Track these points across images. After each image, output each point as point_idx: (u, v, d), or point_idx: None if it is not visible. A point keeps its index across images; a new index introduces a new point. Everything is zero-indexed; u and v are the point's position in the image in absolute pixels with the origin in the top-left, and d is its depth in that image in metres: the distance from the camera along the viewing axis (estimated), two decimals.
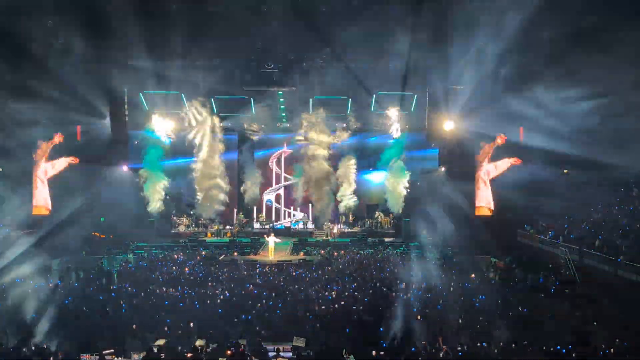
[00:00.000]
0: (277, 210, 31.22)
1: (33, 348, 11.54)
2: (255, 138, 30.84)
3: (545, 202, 25.63)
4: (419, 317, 14.16)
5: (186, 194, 30.50)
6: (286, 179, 31.01)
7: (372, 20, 24.14)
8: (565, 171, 27.25)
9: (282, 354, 11.52)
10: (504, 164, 25.85)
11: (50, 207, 25.72)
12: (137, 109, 28.26)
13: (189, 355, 10.93)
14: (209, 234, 29.12)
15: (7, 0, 22.10)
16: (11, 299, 15.90)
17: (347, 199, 29.70)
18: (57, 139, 25.28)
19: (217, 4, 23.79)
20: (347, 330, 13.27)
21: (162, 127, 28.67)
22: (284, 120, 30.30)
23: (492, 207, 26.22)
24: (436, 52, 25.18)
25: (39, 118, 25.22)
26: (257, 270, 20.71)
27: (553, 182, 25.95)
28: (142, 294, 16.73)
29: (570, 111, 23.12)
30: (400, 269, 20.62)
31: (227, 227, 29.64)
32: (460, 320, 14.12)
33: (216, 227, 29.32)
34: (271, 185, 31.57)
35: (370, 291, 17.08)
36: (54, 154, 25.82)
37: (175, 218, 29.92)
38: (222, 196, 29.21)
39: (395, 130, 29.28)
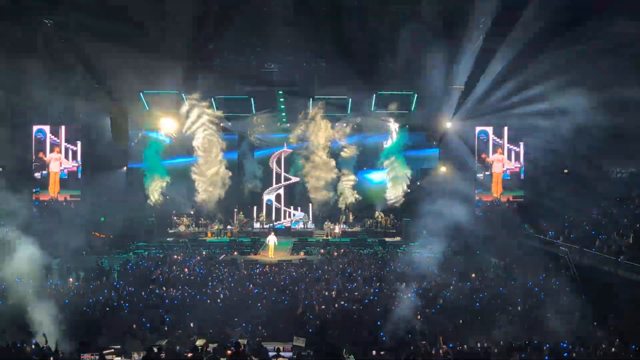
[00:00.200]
0: (277, 210, 31.17)
1: (33, 348, 11.55)
2: (256, 141, 30.88)
3: (545, 202, 25.66)
4: (419, 317, 14.17)
5: (186, 193, 30.52)
6: (286, 179, 30.98)
7: (372, 20, 24.15)
8: (566, 171, 27.24)
9: (282, 353, 11.52)
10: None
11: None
12: (137, 109, 28.23)
13: (189, 355, 10.94)
14: (209, 234, 29.10)
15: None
16: (11, 298, 15.90)
17: (348, 193, 29.73)
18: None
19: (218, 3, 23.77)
20: (347, 330, 13.27)
21: (163, 126, 28.72)
22: (284, 120, 30.27)
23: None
24: (436, 51, 25.14)
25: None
26: (257, 270, 20.72)
27: (553, 182, 25.96)
28: (142, 293, 16.74)
29: (571, 108, 23.05)
30: (400, 269, 20.64)
31: (228, 227, 29.61)
32: (460, 320, 14.13)
33: (216, 227, 29.31)
34: (271, 185, 31.50)
35: (371, 291, 17.09)
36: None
37: (175, 218, 29.91)
38: (220, 192, 29.21)
39: (395, 130, 29.33)
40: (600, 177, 24.87)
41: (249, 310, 14.90)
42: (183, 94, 27.61)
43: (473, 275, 20.46)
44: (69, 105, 26.98)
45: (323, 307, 15.17)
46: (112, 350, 11.59)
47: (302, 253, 25.32)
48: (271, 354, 11.41)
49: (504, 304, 15.79)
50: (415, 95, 27.81)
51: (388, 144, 30.16)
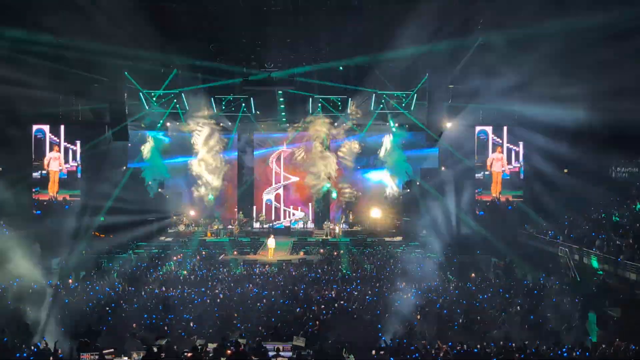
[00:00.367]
0: (277, 210, 31.17)
1: (33, 348, 11.55)
2: (255, 139, 30.89)
3: (545, 202, 25.66)
4: (419, 317, 14.18)
5: (187, 192, 30.57)
6: (286, 178, 30.97)
7: (372, 19, 24.09)
8: (566, 171, 27.24)
9: (282, 353, 11.51)
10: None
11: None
12: (137, 108, 28.20)
13: (189, 355, 10.93)
14: (209, 234, 29.10)
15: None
16: (11, 298, 15.90)
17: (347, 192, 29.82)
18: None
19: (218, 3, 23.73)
20: (347, 330, 13.26)
21: (163, 125, 28.81)
22: (283, 119, 30.27)
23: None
24: (436, 50, 25.12)
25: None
26: (257, 270, 20.73)
27: (553, 181, 25.95)
28: (142, 293, 16.74)
29: (571, 107, 23.01)
30: (400, 269, 20.65)
31: (229, 226, 29.61)
32: (460, 320, 14.13)
33: (216, 227, 29.31)
34: (271, 185, 31.49)
35: (370, 291, 17.09)
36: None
37: (175, 218, 29.90)
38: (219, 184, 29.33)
39: (395, 127, 29.36)
40: (601, 177, 24.86)
41: (249, 311, 14.89)
42: (183, 95, 27.58)
43: (473, 275, 20.49)
44: (68, 104, 26.92)
45: (323, 307, 15.16)
46: (112, 350, 11.57)
47: (301, 253, 25.32)
48: (271, 353, 11.40)
49: (504, 304, 15.78)
50: (415, 95, 27.78)
51: (387, 140, 30.20)
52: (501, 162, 28.51)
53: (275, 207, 31.02)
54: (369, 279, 18.97)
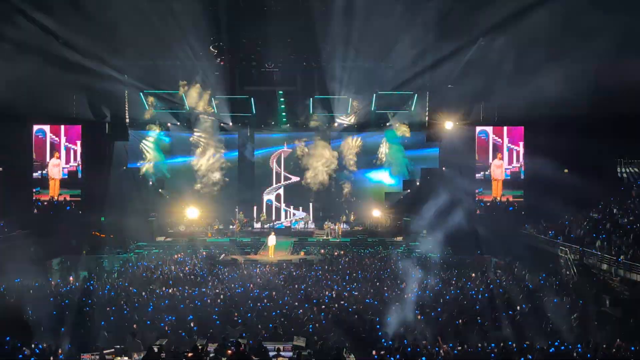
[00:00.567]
0: (278, 210, 31.15)
1: (33, 348, 11.54)
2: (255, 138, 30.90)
3: (545, 202, 25.62)
4: (419, 317, 14.17)
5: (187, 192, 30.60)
6: (286, 178, 30.96)
7: (372, 19, 24.11)
8: (566, 170, 27.23)
9: (282, 353, 11.50)
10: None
11: None
12: (137, 108, 28.23)
13: (189, 355, 10.92)
14: (209, 234, 29.11)
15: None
16: (11, 298, 15.90)
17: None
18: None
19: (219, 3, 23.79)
20: (347, 330, 13.26)
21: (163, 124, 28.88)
22: (284, 119, 30.27)
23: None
24: (436, 50, 25.16)
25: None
26: (258, 270, 20.72)
27: (553, 181, 25.93)
28: (143, 293, 16.74)
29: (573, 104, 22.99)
30: (400, 269, 20.64)
31: (230, 226, 29.60)
32: (460, 320, 14.12)
33: (216, 227, 29.30)
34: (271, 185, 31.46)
35: (371, 291, 17.09)
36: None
37: (175, 217, 29.88)
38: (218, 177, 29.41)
39: (395, 128, 29.40)
40: (601, 177, 24.85)
41: (249, 311, 14.88)
42: (183, 95, 27.60)
43: (473, 275, 20.48)
44: (69, 104, 26.93)
45: (323, 307, 15.16)
46: (112, 350, 11.57)
47: (302, 253, 25.32)
48: (271, 353, 11.40)
49: (504, 304, 15.77)
50: (415, 95, 27.80)
51: (386, 139, 30.25)
52: (501, 169, 28.55)
53: (275, 207, 31.00)
54: (369, 279, 18.96)
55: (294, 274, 20.00)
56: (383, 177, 31.06)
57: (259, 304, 15.45)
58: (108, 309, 14.91)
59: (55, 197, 27.66)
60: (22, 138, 27.22)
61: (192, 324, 13.64)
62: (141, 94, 27.56)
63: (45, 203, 27.56)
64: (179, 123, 29.24)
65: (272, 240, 24.40)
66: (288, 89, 27.80)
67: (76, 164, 28.02)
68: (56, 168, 27.68)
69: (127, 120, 28.33)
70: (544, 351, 11.60)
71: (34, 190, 27.64)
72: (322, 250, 25.24)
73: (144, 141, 29.46)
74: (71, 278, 20.51)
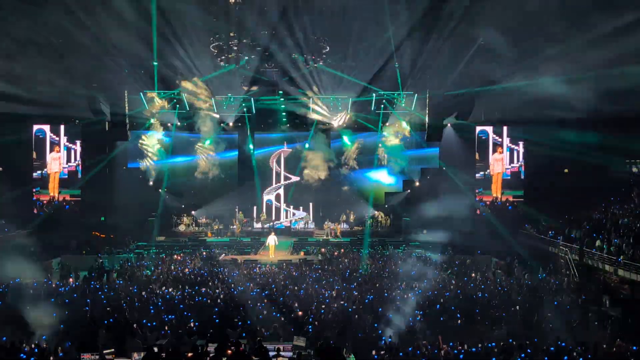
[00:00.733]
0: (278, 210, 31.13)
1: (33, 348, 11.54)
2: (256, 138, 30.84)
3: (545, 202, 25.65)
4: (419, 317, 14.17)
5: (186, 192, 30.65)
6: (286, 178, 30.95)
7: (372, 19, 24.14)
8: (566, 170, 27.26)
9: (282, 353, 11.50)
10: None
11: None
12: (137, 108, 28.24)
13: (189, 355, 10.92)
14: (209, 234, 29.11)
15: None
16: (11, 298, 15.90)
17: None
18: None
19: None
20: (347, 330, 13.25)
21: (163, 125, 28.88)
22: (284, 119, 30.27)
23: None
24: (436, 50, 25.17)
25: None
26: (258, 270, 20.71)
27: (553, 181, 25.96)
28: (142, 293, 16.74)
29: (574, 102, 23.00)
30: (400, 269, 20.64)
31: (231, 226, 29.59)
32: (460, 320, 14.12)
33: (217, 227, 29.30)
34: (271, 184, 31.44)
35: (371, 291, 17.08)
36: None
37: (175, 217, 29.91)
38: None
39: (395, 127, 29.40)
40: (601, 177, 24.87)
41: (249, 311, 14.88)
42: (183, 95, 27.60)
43: (473, 275, 20.49)
44: (69, 103, 26.94)
45: (323, 306, 15.16)
46: (112, 350, 11.56)
47: (302, 253, 25.31)
48: (271, 353, 11.39)
49: (504, 304, 15.77)
50: (416, 95, 27.81)
51: (386, 138, 30.27)
52: (501, 162, 28.54)
53: (275, 207, 30.99)
54: (369, 279, 18.96)
55: (294, 274, 19.99)
56: (382, 177, 31.03)
57: (259, 304, 15.45)
58: (108, 309, 14.91)
59: (55, 197, 27.69)
60: (22, 138, 27.25)
61: (192, 324, 13.63)
62: (141, 93, 27.56)
63: (45, 203, 27.59)
64: (179, 123, 29.22)
65: (272, 240, 24.40)
66: (288, 89, 27.78)
67: (76, 164, 28.06)
68: (56, 162, 27.70)
69: (127, 120, 28.30)
70: (544, 351, 11.60)
71: (34, 190, 27.67)
72: (322, 250, 25.23)
73: (144, 141, 29.43)
74: (71, 278, 20.50)
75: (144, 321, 13.80)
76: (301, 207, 30.80)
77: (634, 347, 11.66)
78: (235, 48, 26.01)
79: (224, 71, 26.85)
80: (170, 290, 17.39)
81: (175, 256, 23.76)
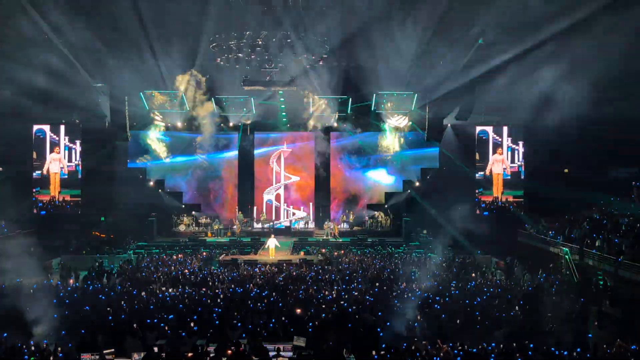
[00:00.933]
0: (278, 209, 31.14)
1: (33, 348, 11.54)
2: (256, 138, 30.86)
3: (545, 202, 25.65)
4: (419, 317, 14.16)
5: (186, 192, 30.65)
6: (286, 178, 30.95)
7: (372, 18, 24.13)
8: (566, 170, 27.24)
9: (282, 353, 11.50)
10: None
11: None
12: (137, 108, 28.24)
13: (189, 355, 10.93)
14: (209, 234, 29.12)
15: None
16: (11, 298, 15.89)
17: None
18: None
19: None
20: (347, 330, 13.25)
21: (163, 124, 28.89)
22: (284, 119, 30.27)
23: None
24: (436, 50, 25.18)
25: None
26: (258, 270, 20.71)
27: (553, 181, 25.95)
28: (142, 294, 16.74)
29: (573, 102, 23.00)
30: (400, 269, 20.65)
31: (233, 226, 29.58)
32: (460, 320, 14.12)
33: (217, 227, 29.31)
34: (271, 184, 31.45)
35: (371, 291, 17.08)
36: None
37: (175, 217, 29.91)
38: None
39: (394, 127, 29.42)
40: (601, 177, 24.86)
41: (249, 311, 14.88)
42: (183, 95, 27.60)
43: (473, 275, 20.49)
44: (69, 103, 26.94)
45: (324, 307, 15.16)
46: (112, 350, 11.56)
47: (302, 253, 25.32)
48: (271, 353, 11.40)
49: (504, 304, 15.77)
50: (416, 95, 27.81)
51: (386, 138, 30.29)
52: (502, 162, 28.54)
53: (275, 207, 31.00)
54: (369, 279, 18.96)
55: (294, 274, 20.00)
56: (381, 177, 31.03)
57: (259, 304, 15.45)
58: (108, 309, 14.91)
59: (56, 197, 27.69)
60: (22, 138, 27.25)
61: (192, 324, 13.63)
62: (141, 93, 27.55)
63: (46, 203, 27.59)
64: (179, 123, 29.21)
65: (272, 243, 24.27)
66: (288, 89, 27.76)
67: (76, 164, 28.05)
68: (56, 162, 27.71)
69: (127, 120, 28.30)
70: (544, 351, 11.59)
71: (34, 190, 27.67)
72: (323, 250, 25.24)
73: (143, 141, 29.45)
74: (71, 278, 20.51)
75: (144, 321, 13.79)
76: (301, 207, 30.83)
77: (633, 347, 11.65)
78: (235, 48, 26.00)
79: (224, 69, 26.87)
80: (170, 290, 17.39)
81: (175, 256, 23.75)
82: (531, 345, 11.86)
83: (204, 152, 29.97)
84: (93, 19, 22.98)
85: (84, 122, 28.15)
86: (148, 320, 13.82)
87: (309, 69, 26.91)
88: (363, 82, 27.17)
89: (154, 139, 29.53)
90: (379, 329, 13.23)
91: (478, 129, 28.81)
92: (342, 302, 15.59)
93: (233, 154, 30.95)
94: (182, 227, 29.49)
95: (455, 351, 11.68)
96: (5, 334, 11.77)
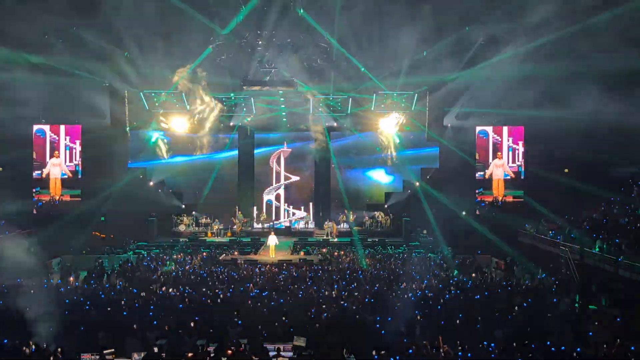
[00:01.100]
0: (278, 209, 31.13)
1: (33, 348, 11.54)
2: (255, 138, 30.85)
3: (545, 202, 25.63)
4: (419, 317, 14.16)
5: (186, 192, 30.64)
6: (286, 178, 30.94)
7: (373, 18, 24.14)
8: (566, 170, 27.24)
9: (282, 353, 11.50)
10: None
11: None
12: (137, 108, 28.24)
13: (189, 355, 10.93)
14: (209, 234, 29.11)
15: None
16: (11, 298, 15.88)
17: None
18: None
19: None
20: (347, 330, 13.25)
21: (171, 124, 28.90)
22: (284, 119, 30.27)
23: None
24: (437, 50, 25.18)
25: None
26: (258, 270, 20.71)
27: (553, 181, 25.94)
28: (142, 294, 16.73)
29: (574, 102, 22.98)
30: (400, 269, 20.64)
31: (233, 226, 29.58)
32: (460, 321, 14.11)
33: (217, 227, 29.31)
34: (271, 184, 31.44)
35: (371, 291, 17.08)
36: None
37: (175, 217, 29.91)
38: None
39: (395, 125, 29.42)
40: (601, 177, 24.84)
41: (249, 310, 14.88)
42: (183, 94, 27.59)
43: (473, 275, 20.49)
44: (69, 103, 26.93)
45: (323, 307, 15.16)
46: (112, 350, 11.56)
47: (302, 253, 25.31)
48: (271, 353, 11.41)
49: (504, 304, 15.77)
50: (416, 94, 27.81)
51: (386, 138, 30.27)
52: (502, 167, 28.55)
53: (275, 207, 30.99)
54: (369, 279, 18.95)
55: (294, 274, 19.99)
56: (381, 177, 31.03)
57: (259, 304, 15.45)
58: (108, 309, 14.90)
59: (57, 197, 27.69)
60: (22, 138, 27.24)
61: (192, 324, 13.63)
62: (141, 93, 27.55)
63: (46, 203, 27.58)
64: (179, 123, 29.18)
65: (272, 240, 24.37)
66: (288, 89, 27.77)
67: (76, 164, 28.05)
68: (56, 167, 27.71)
69: (127, 120, 28.30)
70: (544, 351, 11.59)
71: (34, 190, 27.67)
72: (323, 250, 25.23)
73: (143, 141, 29.44)
74: (71, 278, 20.50)
75: (144, 321, 13.79)
76: (301, 207, 30.82)
77: (634, 347, 11.65)
78: (236, 47, 26.04)
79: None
80: (170, 290, 17.38)
81: (175, 256, 23.75)
82: (532, 346, 11.87)
83: (204, 152, 29.94)
84: (93, 19, 22.98)
85: (84, 122, 28.13)
86: (148, 321, 13.83)
87: (309, 69, 26.95)
88: (363, 82, 27.19)
89: (154, 138, 29.51)
90: (378, 329, 13.24)
91: (478, 129, 28.81)
92: (342, 302, 15.58)
93: (233, 154, 30.94)
94: (182, 227, 29.48)
95: (455, 351, 11.68)
96: (5, 340, 11.73)
